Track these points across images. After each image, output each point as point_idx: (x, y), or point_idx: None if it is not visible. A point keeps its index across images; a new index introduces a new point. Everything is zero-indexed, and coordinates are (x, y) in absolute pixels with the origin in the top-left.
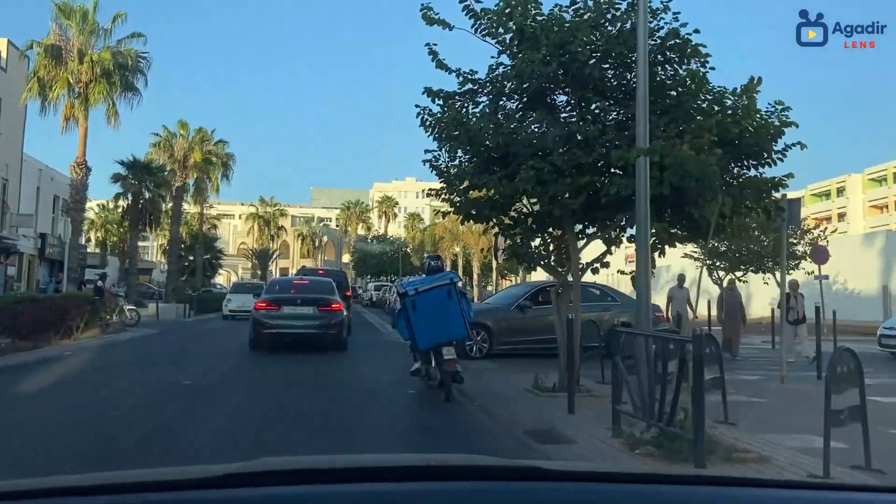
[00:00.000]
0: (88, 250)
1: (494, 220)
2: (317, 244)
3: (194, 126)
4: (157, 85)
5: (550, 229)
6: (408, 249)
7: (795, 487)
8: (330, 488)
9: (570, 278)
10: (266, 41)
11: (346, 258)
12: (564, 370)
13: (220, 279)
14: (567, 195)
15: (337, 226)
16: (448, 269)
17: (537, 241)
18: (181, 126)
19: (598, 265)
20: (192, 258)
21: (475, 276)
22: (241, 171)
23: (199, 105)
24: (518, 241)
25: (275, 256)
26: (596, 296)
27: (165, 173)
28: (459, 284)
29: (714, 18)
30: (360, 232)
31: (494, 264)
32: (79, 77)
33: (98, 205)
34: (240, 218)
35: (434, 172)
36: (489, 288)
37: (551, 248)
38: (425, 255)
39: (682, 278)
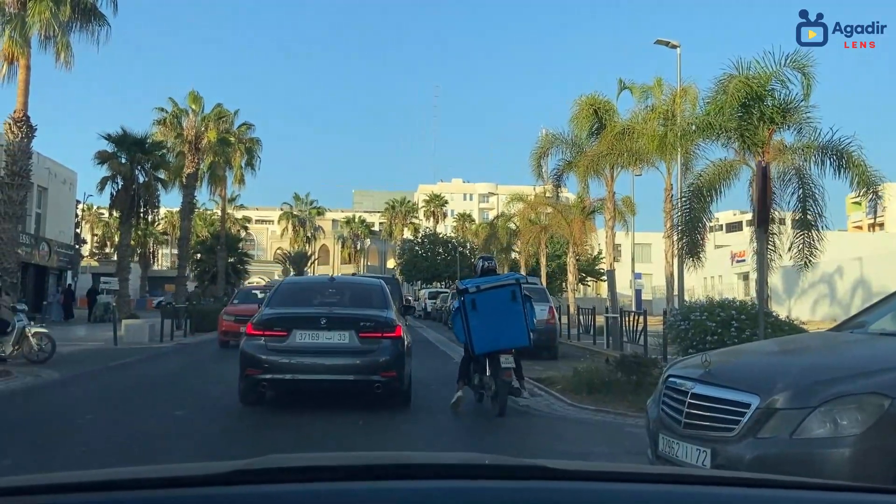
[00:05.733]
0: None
1: None
2: (359, 247)
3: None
4: (182, 82)
5: None
6: (464, 250)
7: (808, 489)
8: (338, 486)
9: None
10: (308, 44)
11: (391, 263)
12: None
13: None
14: None
15: (381, 228)
16: (516, 271)
17: None
18: (192, 100)
19: None
20: (217, 263)
21: (572, 278)
22: (281, 177)
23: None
24: None
25: (312, 260)
26: None
27: (167, 152)
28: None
29: (714, 19)
30: (407, 234)
31: (609, 258)
32: None
33: None
34: (278, 223)
35: None
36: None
37: None
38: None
39: None
